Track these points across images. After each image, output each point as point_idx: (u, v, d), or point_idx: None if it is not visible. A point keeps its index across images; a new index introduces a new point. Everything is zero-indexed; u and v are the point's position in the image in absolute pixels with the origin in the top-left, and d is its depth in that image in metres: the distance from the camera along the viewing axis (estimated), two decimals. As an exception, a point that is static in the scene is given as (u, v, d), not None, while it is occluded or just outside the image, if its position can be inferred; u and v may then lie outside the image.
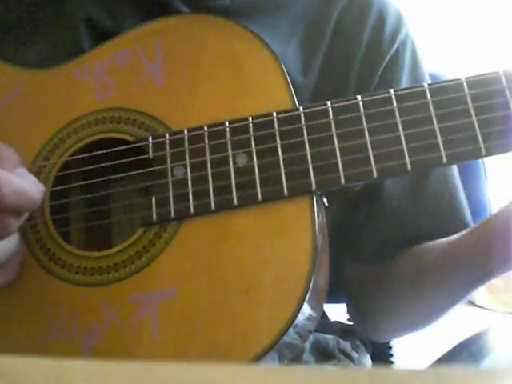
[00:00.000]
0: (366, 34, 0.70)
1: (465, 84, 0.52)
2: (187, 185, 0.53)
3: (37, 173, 0.57)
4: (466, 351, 0.63)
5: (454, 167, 0.71)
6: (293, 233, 0.50)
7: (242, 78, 0.57)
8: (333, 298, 0.82)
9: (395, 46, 0.70)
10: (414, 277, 0.67)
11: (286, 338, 0.50)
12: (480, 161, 0.87)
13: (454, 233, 0.65)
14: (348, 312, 0.79)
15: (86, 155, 0.57)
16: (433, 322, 0.69)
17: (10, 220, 0.48)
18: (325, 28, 0.70)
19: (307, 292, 0.48)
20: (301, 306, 0.48)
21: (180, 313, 0.50)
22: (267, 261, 0.50)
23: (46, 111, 0.61)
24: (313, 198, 0.51)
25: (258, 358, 0.47)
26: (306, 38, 0.69)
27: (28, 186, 0.49)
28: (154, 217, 0.53)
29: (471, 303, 2.07)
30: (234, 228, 0.51)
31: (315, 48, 0.69)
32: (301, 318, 0.49)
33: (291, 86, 0.55)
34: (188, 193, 0.52)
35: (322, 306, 0.55)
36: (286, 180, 0.51)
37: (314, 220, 0.50)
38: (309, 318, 0.52)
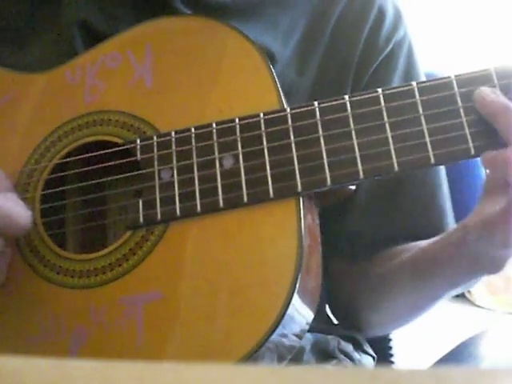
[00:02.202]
0: (365, 33, 0.69)
1: (454, 82, 0.51)
2: (174, 187, 0.53)
3: (28, 176, 0.58)
4: (466, 351, 0.63)
5: (441, 174, 0.70)
6: (279, 234, 0.50)
7: (230, 80, 0.56)
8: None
9: (390, 46, 0.69)
10: (386, 277, 0.67)
11: (282, 339, 0.49)
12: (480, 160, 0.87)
13: (426, 238, 0.64)
14: (329, 306, 0.78)
15: (75, 158, 0.58)
16: (416, 316, 0.70)
17: None
18: (325, 26, 0.69)
19: (293, 294, 0.47)
20: (286, 307, 0.47)
21: (165, 315, 0.50)
22: (253, 263, 0.50)
23: (38, 115, 0.61)
24: (299, 200, 0.50)
25: (244, 359, 0.47)
26: (306, 36, 0.69)
27: (16, 211, 0.50)
28: (141, 219, 0.53)
29: (471, 303, 2.07)
30: (220, 230, 0.51)
31: (314, 46, 0.68)
32: (290, 318, 0.49)
33: (279, 87, 0.54)
34: (174, 195, 0.52)
35: (315, 306, 0.55)
36: (272, 182, 0.51)
37: (300, 221, 0.49)
38: (300, 318, 0.51)
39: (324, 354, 0.71)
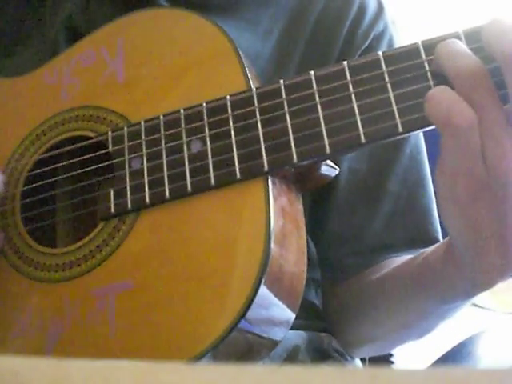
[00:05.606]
0: (345, 30, 0.68)
1: (421, 48, 0.48)
2: (143, 175, 0.53)
3: (10, 174, 0.59)
4: (466, 351, 0.63)
5: (424, 172, 0.68)
6: (247, 216, 0.49)
7: (199, 68, 0.56)
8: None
9: (369, 40, 0.68)
10: (377, 293, 0.65)
11: (261, 324, 0.49)
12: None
13: (409, 239, 0.63)
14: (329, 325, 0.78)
15: (50, 153, 0.59)
16: (407, 335, 0.67)
17: None
18: (305, 23, 0.69)
19: (263, 275, 0.46)
20: (257, 289, 0.46)
21: (137, 304, 0.50)
22: (222, 246, 0.49)
23: (17, 116, 0.63)
24: (267, 179, 0.49)
25: (218, 342, 0.46)
26: (286, 33, 0.69)
27: None
28: (112, 209, 0.53)
29: (471, 303, 2.07)
30: (189, 215, 0.51)
31: (294, 43, 0.68)
32: (264, 299, 0.47)
33: (248, 71, 0.54)
34: (144, 183, 0.52)
35: (299, 294, 0.53)
36: (239, 162, 0.50)
37: (269, 201, 0.48)
38: (278, 301, 0.50)
39: (319, 353, 0.70)
